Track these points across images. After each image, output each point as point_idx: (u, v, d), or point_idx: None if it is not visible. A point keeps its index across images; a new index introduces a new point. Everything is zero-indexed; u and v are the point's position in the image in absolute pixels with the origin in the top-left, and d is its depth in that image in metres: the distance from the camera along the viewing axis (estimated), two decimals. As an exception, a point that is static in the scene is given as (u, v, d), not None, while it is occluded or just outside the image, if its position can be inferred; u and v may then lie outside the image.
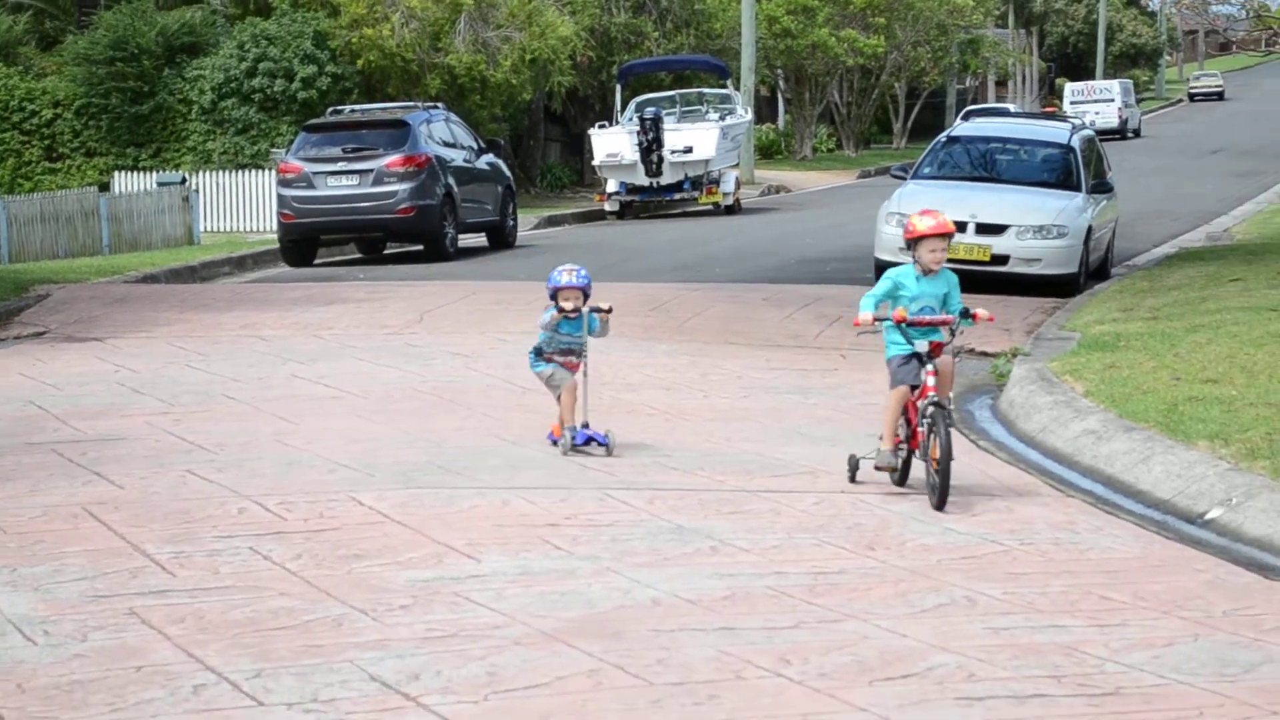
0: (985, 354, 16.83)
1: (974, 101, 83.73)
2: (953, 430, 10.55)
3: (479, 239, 31.36)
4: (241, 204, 40.06)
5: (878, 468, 10.47)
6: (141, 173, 41.05)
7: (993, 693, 6.67)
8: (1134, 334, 16.34)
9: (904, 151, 69.64)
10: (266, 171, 38.71)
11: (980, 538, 9.43)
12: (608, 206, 40.38)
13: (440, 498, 10.11)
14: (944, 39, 73.38)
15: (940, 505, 9.99)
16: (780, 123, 73.20)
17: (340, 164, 28.49)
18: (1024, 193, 23.34)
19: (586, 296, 11.58)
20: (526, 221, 36.84)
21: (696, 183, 39.71)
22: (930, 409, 10.08)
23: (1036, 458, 12.20)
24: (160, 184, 37.60)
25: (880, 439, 10.51)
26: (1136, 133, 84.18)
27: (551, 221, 39.95)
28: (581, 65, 49.55)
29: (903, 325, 10.22)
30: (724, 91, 45.24)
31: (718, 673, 6.87)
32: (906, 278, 10.40)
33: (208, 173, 40.49)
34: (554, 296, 11.56)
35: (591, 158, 41.50)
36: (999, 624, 7.67)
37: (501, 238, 31.32)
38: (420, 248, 29.32)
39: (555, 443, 11.56)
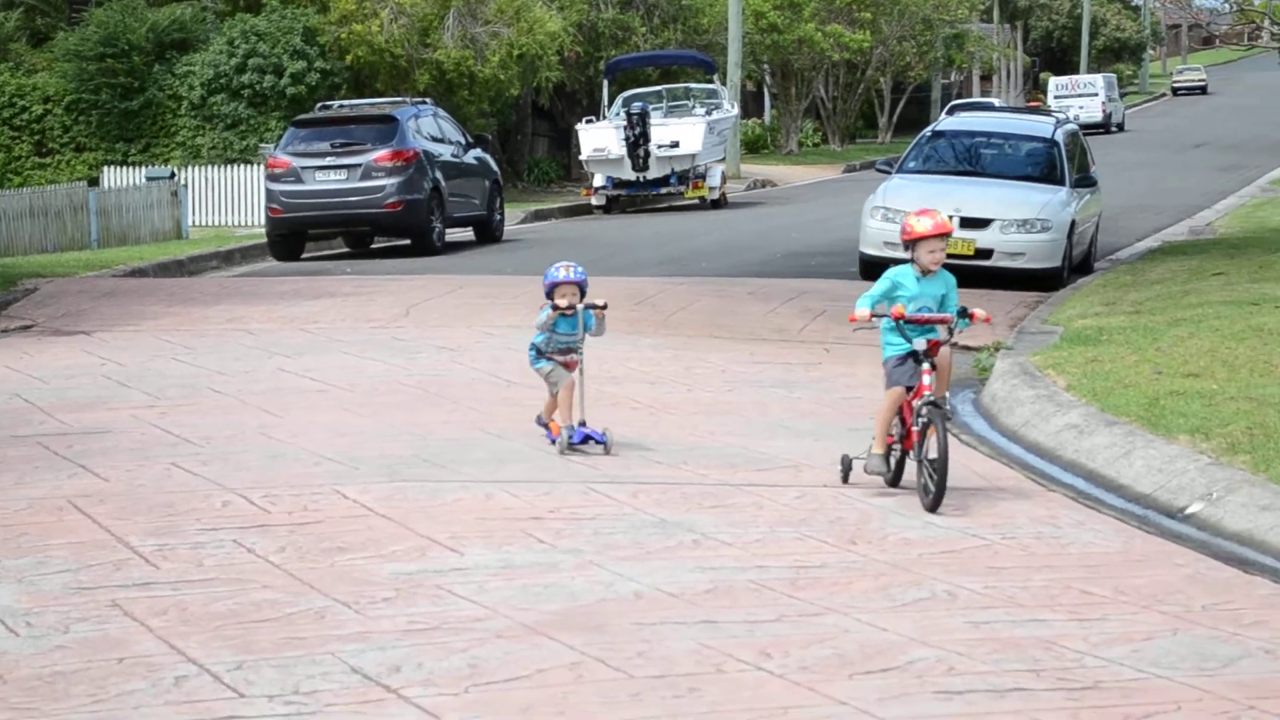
0: (968, 348, 16.86)
1: (959, 96, 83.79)
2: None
3: (466, 233, 31.40)
4: (230, 199, 40.08)
5: (868, 471, 10.34)
6: (131, 168, 41.05)
7: (972, 686, 6.69)
8: (1116, 328, 16.37)
9: (889, 146, 69.69)
10: (255, 166, 38.77)
11: (961, 532, 9.45)
12: (594, 201, 40.42)
13: (424, 491, 10.12)
14: (929, 34, 73.45)
15: (934, 507, 9.85)
16: (766, 117, 73.22)
17: (328, 159, 28.53)
18: (1008, 187, 23.39)
19: (583, 293, 11.52)
20: (514, 216, 36.85)
21: (683, 177, 39.76)
22: (926, 408, 9.94)
23: (1018, 452, 12.22)
24: (149, 179, 37.63)
25: (872, 439, 10.36)
26: (1120, 127, 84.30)
27: (538, 216, 39.96)
28: (569, 61, 49.55)
29: (900, 323, 10.06)
30: (710, 86, 45.29)
31: (699, 666, 6.89)
32: (905, 277, 10.24)
33: (197, 167, 40.52)
34: (550, 294, 11.49)
35: (579, 152, 41.53)
36: (979, 618, 7.69)
37: (489, 232, 31.37)
38: (408, 242, 29.35)
39: (553, 441, 11.44)
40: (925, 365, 10.03)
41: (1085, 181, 24.42)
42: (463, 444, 11.64)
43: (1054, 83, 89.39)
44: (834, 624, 7.54)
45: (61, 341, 17.44)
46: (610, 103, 42.22)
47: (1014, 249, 22.35)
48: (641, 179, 39.46)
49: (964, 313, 10.15)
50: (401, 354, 16.02)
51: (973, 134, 25.40)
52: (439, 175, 29.02)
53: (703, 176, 40.31)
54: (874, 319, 10.12)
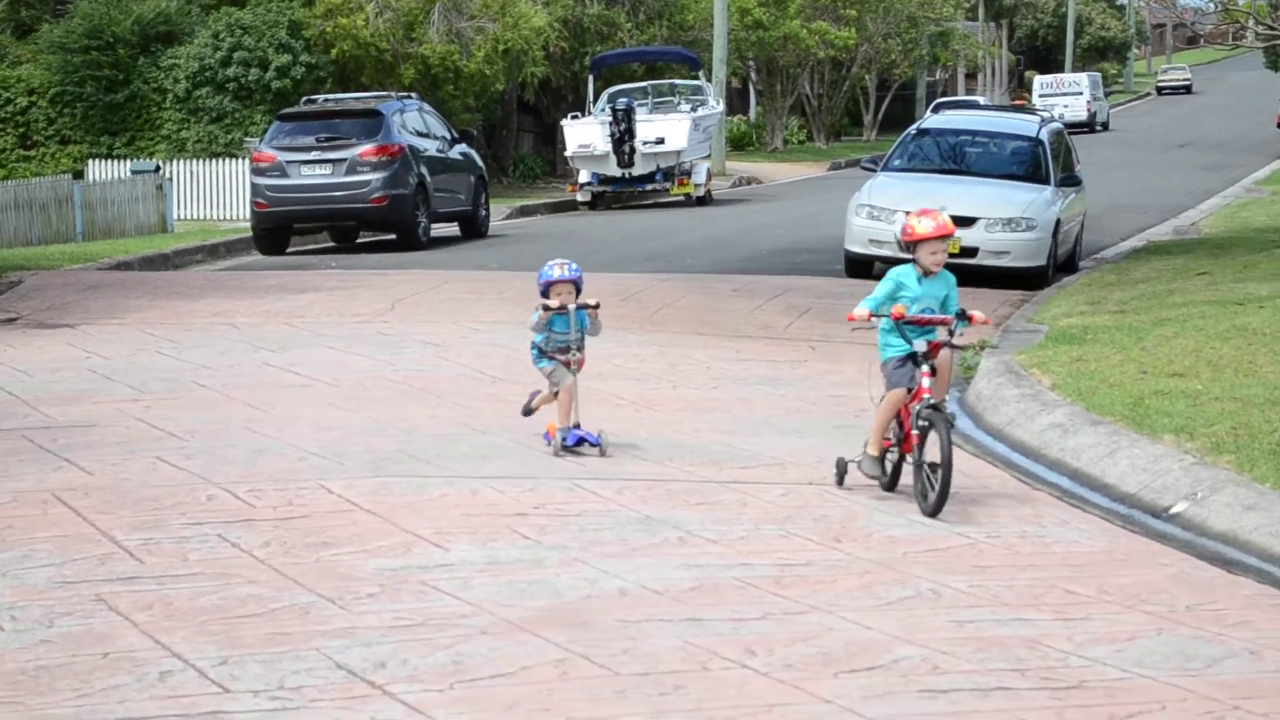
0: (953, 346, 16.88)
1: (944, 94, 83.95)
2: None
3: (451, 228, 31.42)
4: (215, 192, 40.07)
5: (862, 472, 10.25)
6: (116, 161, 41.02)
7: (957, 685, 6.71)
8: (1101, 327, 16.41)
9: (874, 144, 69.78)
10: (240, 160, 38.76)
11: (946, 530, 9.48)
12: (580, 197, 40.45)
13: (410, 486, 10.14)
14: (914, 31, 73.59)
15: (935, 511, 9.70)
16: (752, 114, 73.27)
17: (314, 153, 28.53)
18: (993, 185, 23.45)
19: (579, 290, 11.38)
20: (499, 211, 36.87)
21: (668, 174, 39.79)
22: (926, 411, 9.81)
23: (1003, 450, 12.25)
24: (134, 172, 37.64)
25: (866, 444, 10.26)
26: (1105, 126, 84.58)
27: (524, 211, 39.98)
28: (554, 56, 49.56)
29: (900, 324, 9.95)
30: (696, 83, 45.33)
31: (684, 663, 6.90)
32: (908, 278, 10.11)
33: (182, 161, 40.52)
34: (545, 292, 11.35)
35: (564, 148, 41.54)
36: (964, 617, 7.71)
37: (474, 227, 31.40)
38: (393, 237, 29.37)
39: (549, 442, 11.35)
40: (925, 368, 9.93)
41: (1070, 180, 24.49)
42: (448, 439, 11.65)
43: (1039, 81, 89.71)
44: (819, 622, 7.55)
45: (46, 335, 17.45)
46: (595, 99, 42.23)
47: (999, 247, 22.40)
48: (627, 175, 39.49)
49: (962, 314, 10.07)
50: (387, 349, 16.04)
51: (958, 132, 25.47)
52: (424, 170, 29.04)
53: (688, 173, 40.34)
54: (873, 319, 10.02)
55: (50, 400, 13.28)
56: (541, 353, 11.40)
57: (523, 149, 52.55)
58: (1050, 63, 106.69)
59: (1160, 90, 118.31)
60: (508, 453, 11.27)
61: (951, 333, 10.11)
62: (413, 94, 33.11)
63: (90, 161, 41.45)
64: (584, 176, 40.27)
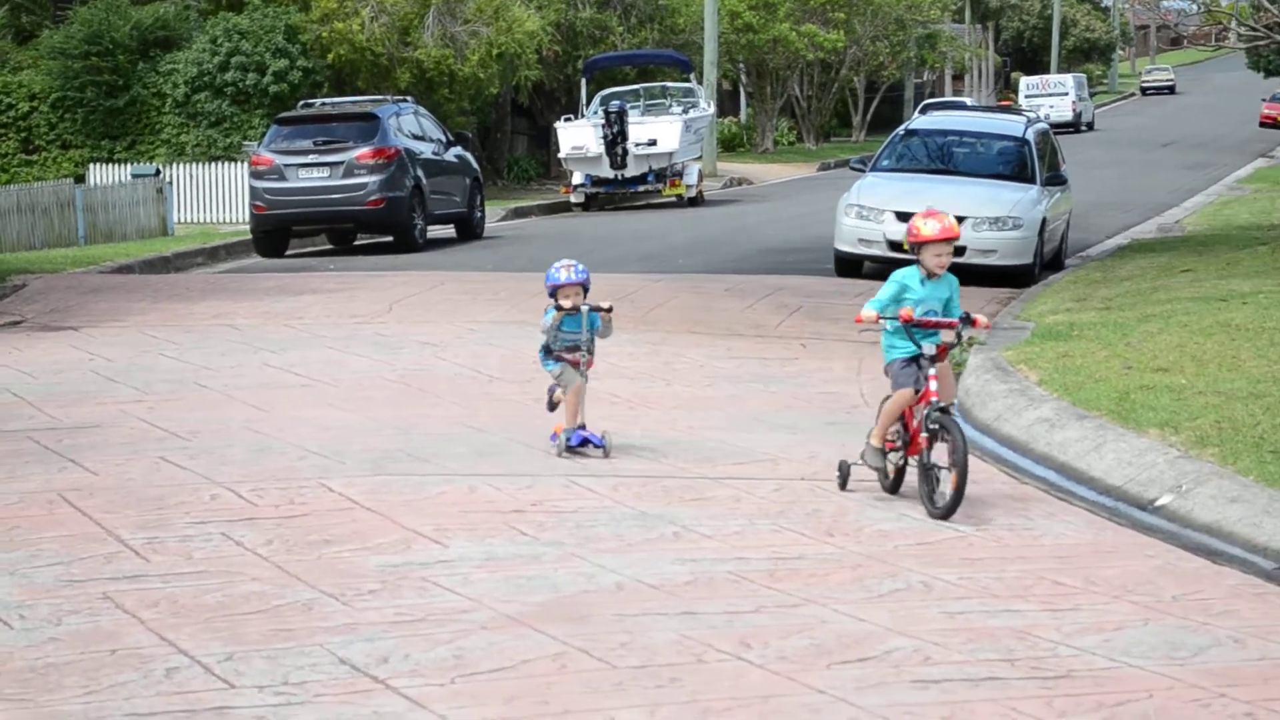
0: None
1: (931, 95, 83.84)
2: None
3: (447, 230, 31.43)
4: (214, 196, 40.12)
5: (864, 463, 10.10)
6: (116, 165, 41.08)
7: (948, 676, 6.78)
8: (1087, 324, 16.47)
9: (863, 144, 69.69)
10: (239, 164, 38.79)
11: (936, 524, 9.53)
12: (573, 198, 40.48)
13: (409, 484, 10.18)
14: (902, 34, 73.58)
15: (949, 514, 9.55)
16: (742, 116, 73.24)
17: (311, 156, 28.59)
18: (980, 185, 23.53)
19: (586, 291, 11.27)
20: (494, 213, 36.88)
21: (660, 175, 39.82)
22: (935, 414, 9.65)
23: (991, 445, 12.27)
24: (135, 176, 37.69)
25: (869, 436, 10.11)
26: (1090, 126, 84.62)
27: (518, 213, 39.98)
28: (548, 59, 49.59)
29: (908, 326, 9.80)
30: (687, 85, 45.35)
31: (679, 656, 6.96)
32: (911, 280, 10.00)
33: (181, 165, 40.57)
34: (553, 294, 11.24)
35: (558, 150, 41.57)
36: (954, 608, 7.77)
37: (469, 229, 31.45)
38: (390, 239, 29.38)
39: (555, 441, 11.26)
40: (932, 370, 9.78)
41: (1056, 180, 24.58)
42: (446, 438, 11.69)
43: (1025, 82, 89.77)
44: (812, 615, 7.60)
45: (50, 337, 17.47)
46: (588, 101, 42.25)
47: (986, 246, 22.48)
48: (619, 177, 39.52)
49: (966, 317, 9.94)
50: (385, 349, 16.07)
51: (945, 133, 25.56)
52: (420, 173, 29.10)
53: (680, 174, 40.37)
54: (881, 320, 9.87)
55: (55, 402, 13.31)
56: (548, 353, 11.32)
57: (517, 151, 52.56)
58: (1036, 64, 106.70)
59: (1144, 91, 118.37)
60: (505, 451, 11.30)
61: (959, 335, 10.04)
62: (408, 97, 33.15)
63: (91, 166, 41.53)
64: (577, 178, 40.30)
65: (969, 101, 71.03)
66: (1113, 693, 6.62)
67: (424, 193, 29.18)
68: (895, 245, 22.78)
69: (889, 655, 7.04)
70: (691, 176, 40.69)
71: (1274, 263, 21.40)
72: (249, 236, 29.87)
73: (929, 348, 9.84)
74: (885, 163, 24.75)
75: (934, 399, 9.70)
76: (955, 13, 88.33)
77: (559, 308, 11.19)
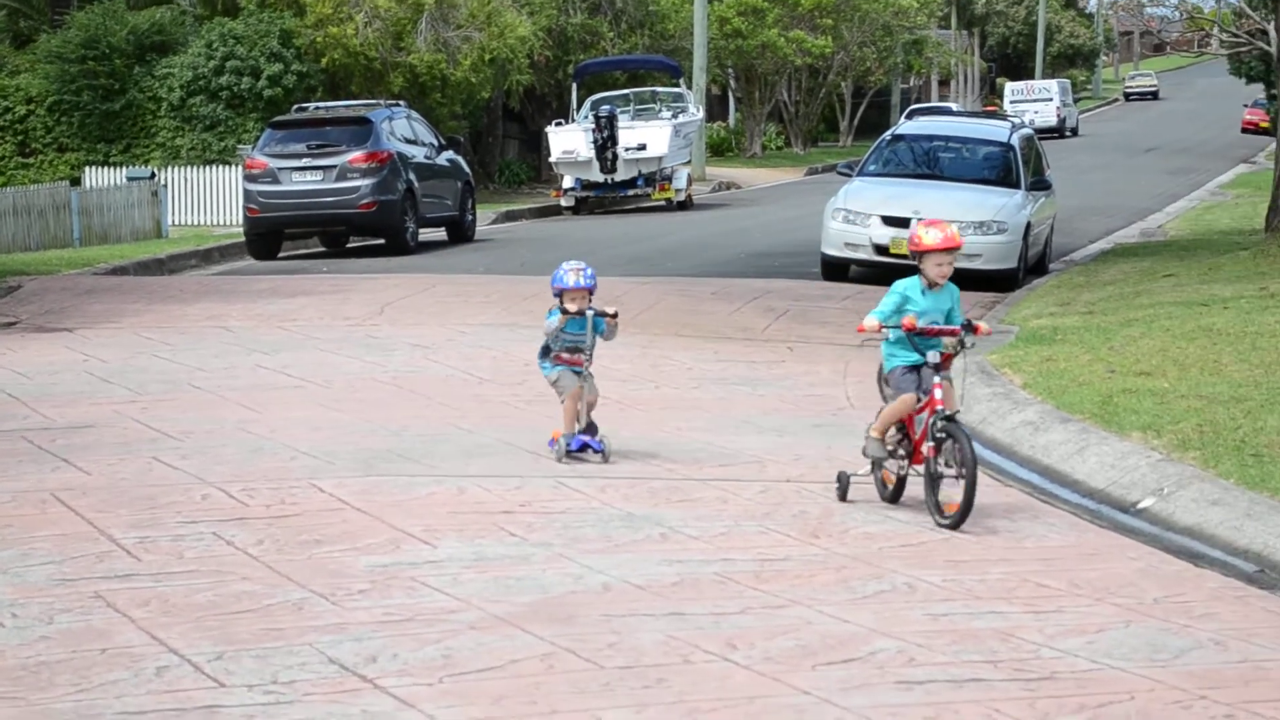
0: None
1: (918, 100, 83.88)
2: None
3: (439, 233, 31.44)
4: (209, 198, 40.16)
5: (866, 455, 9.97)
6: (112, 168, 41.14)
7: (932, 677, 6.82)
8: (1070, 328, 16.53)
9: (850, 149, 69.70)
10: (233, 167, 38.83)
11: (921, 526, 9.57)
12: (564, 202, 40.51)
13: (399, 485, 10.22)
14: (889, 40, 73.66)
15: (959, 524, 9.42)
16: (731, 121, 73.30)
17: (305, 160, 28.64)
18: (965, 190, 23.59)
19: (591, 295, 11.13)
20: (485, 216, 36.89)
21: (650, 179, 39.85)
22: (942, 423, 9.51)
23: (975, 448, 12.21)
24: (130, 179, 37.79)
25: (869, 430, 9.99)
26: (1074, 131, 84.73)
27: (509, 216, 40.00)
28: (539, 64, 49.62)
29: (911, 335, 9.68)
30: (676, 90, 45.38)
31: (666, 656, 7.00)
32: (913, 291, 9.85)
33: (176, 168, 40.61)
34: (559, 296, 11.08)
35: (548, 154, 41.56)
36: (938, 610, 7.82)
37: (461, 232, 31.50)
38: (382, 241, 29.41)
39: (553, 447, 11.13)
40: (938, 379, 9.66)
41: (1040, 184, 24.64)
42: (436, 439, 11.72)
43: (1010, 88, 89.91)
44: (797, 616, 7.65)
45: (45, 338, 17.48)
46: (579, 106, 42.29)
47: (971, 250, 22.48)
48: (609, 180, 39.56)
49: (968, 325, 9.84)
50: (376, 351, 16.09)
51: (931, 138, 25.63)
52: (412, 176, 29.16)
53: (669, 178, 40.41)
54: (884, 330, 9.76)
55: (49, 402, 13.32)
56: (546, 355, 11.19)
57: (508, 155, 52.59)
58: (1021, 70, 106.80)
59: (1128, 96, 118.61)
60: (494, 452, 11.32)
61: (962, 343, 9.83)
62: (401, 102, 33.20)
63: (87, 168, 41.59)
64: (568, 182, 40.33)
65: (955, 107, 71.09)
66: (1095, 694, 6.66)
67: (416, 196, 29.24)
68: (881, 249, 22.87)
69: (873, 656, 7.08)
70: (680, 181, 40.73)
71: (1255, 267, 21.48)
72: (243, 239, 29.88)
73: (933, 356, 9.73)
74: (872, 168, 24.82)
75: (940, 408, 9.58)
76: (941, 19, 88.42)
77: (564, 311, 11.05)
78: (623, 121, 39.74)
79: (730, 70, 68.36)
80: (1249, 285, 19.09)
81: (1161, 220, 35.95)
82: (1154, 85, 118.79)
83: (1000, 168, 24.33)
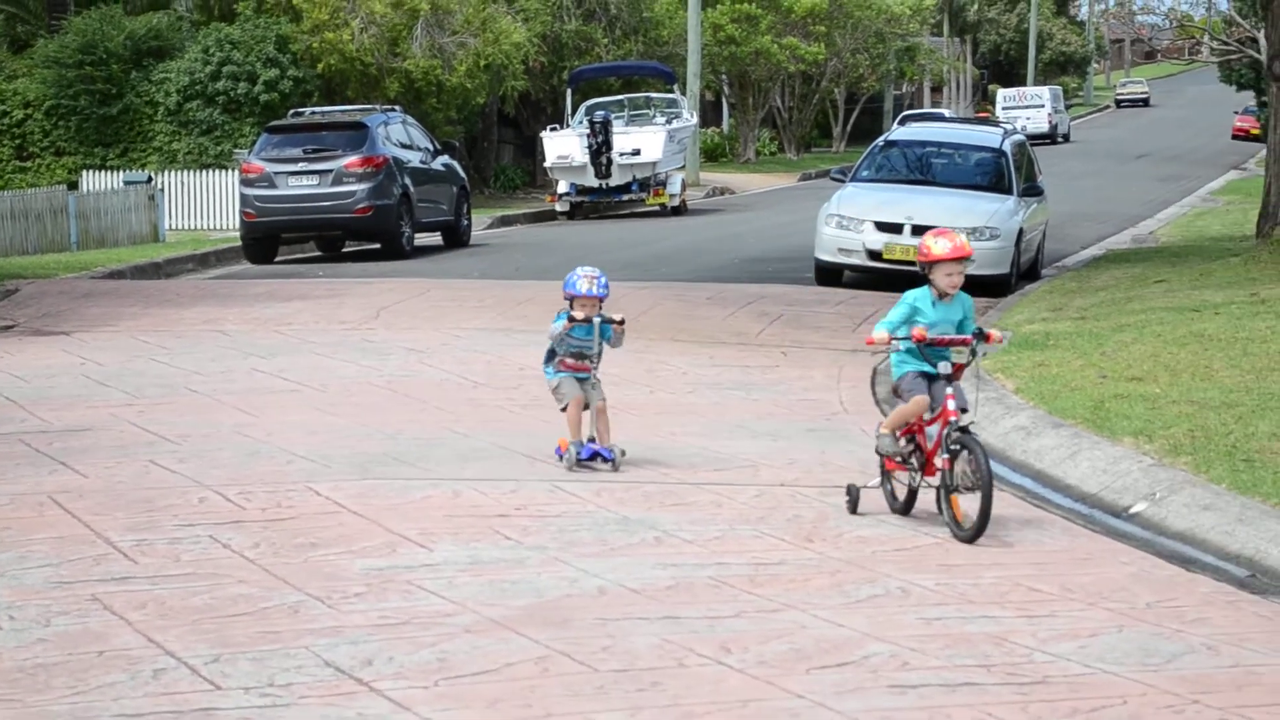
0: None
1: (910, 107, 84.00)
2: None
3: (434, 238, 31.46)
4: (205, 203, 40.25)
5: (879, 452, 9.79)
6: (109, 172, 41.23)
7: (925, 681, 6.85)
8: (1062, 333, 16.55)
9: (843, 155, 69.76)
10: (230, 171, 38.88)
11: (914, 530, 9.60)
12: (558, 207, 40.55)
13: (394, 488, 10.23)
14: (882, 46, 73.77)
15: (976, 536, 9.23)
16: (725, 127, 73.36)
17: (301, 164, 28.69)
18: (958, 195, 23.63)
19: (602, 303, 10.94)
20: (480, 221, 36.93)
21: (644, 184, 39.89)
22: (956, 434, 9.32)
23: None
24: (127, 183, 37.86)
25: (879, 427, 9.92)
26: (1066, 138, 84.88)
27: (504, 221, 40.04)
28: (534, 70, 49.70)
29: (922, 346, 9.52)
30: (671, 96, 45.43)
31: (661, 660, 7.03)
32: (922, 302, 9.67)
33: (173, 172, 40.70)
34: (570, 301, 10.91)
35: (543, 160, 41.64)
36: (931, 614, 7.85)
37: (456, 237, 31.54)
38: (378, 246, 29.45)
39: (561, 457, 10.97)
40: (950, 389, 9.48)
41: (1032, 191, 24.70)
42: (431, 443, 11.74)
43: (1002, 94, 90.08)
44: (791, 620, 7.67)
45: (42, 341, 17.47)
46: (574, 111, 42.32)
47: (963, 255, 22.53)
48: (604, 186, 39.60)
49: (981, 334, 9.67)
50: (372, 355, 16.10)
51: (924, 144, 25.68)
52: (408, 181, 29.20)
53: (663, 184, 40.45)
54: (893, 341, 9.60)
55: (46, 405, 13.34)
56: (552, 357, 11.05)
57: (503, 160, 52.66)
58: (1013, 77, 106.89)
59: (1119, 103, 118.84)
60: (489, 455, 11.33)
61: (974, 352, 9.68)
62: (397, 107, 33.23)
63: (84, 173, 41.68)
64: (562, 187, 40.37)
65: (947, 113, 71.10)
66: (1087, 698, 6.69)
67: (411, 201, 29.28)
68: (874, 255, 22.92)
69: (867, 660, 7.10)
70: (675, 186, 40.78)
71: (1246, 273, 21.51)
72: (239, 243, 29.92)
73: (944, 367, 9.57)
74: (865, 173, 24.87)
75: (953, 419, 9.39)
76: (934, 26, 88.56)
77: (571, 317, 10.89)
78: (617, 127, 39.78)
79: (724, 76, 68.45)
80: (1240, 291, 19.12)
81: (1153, 226, 36.03)
82: (1145, 92, 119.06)
83: (992, 174, 24.38)
